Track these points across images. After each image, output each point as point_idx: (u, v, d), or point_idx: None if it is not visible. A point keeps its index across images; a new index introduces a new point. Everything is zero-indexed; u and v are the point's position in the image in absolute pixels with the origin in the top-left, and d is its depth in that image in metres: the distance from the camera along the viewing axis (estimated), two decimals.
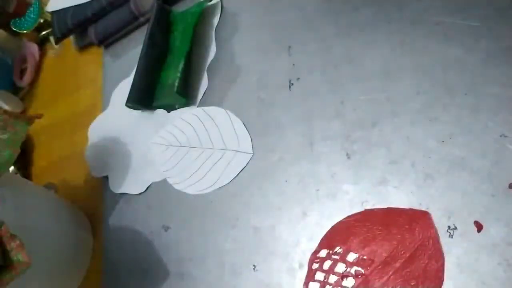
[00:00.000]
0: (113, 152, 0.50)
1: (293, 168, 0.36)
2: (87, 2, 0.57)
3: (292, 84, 0.40)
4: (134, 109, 0.48)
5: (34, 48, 0.68)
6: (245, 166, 0.39)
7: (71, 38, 0.62)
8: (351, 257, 0.30)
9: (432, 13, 0.35)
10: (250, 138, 0.40)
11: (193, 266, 0.38)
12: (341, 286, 0.30)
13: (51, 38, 0.66)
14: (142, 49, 0.48)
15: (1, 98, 0.62)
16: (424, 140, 0.31)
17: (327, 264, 0.31)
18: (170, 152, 0.45)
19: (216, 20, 0.49)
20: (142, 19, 0.54)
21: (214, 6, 0.49)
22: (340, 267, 0.30)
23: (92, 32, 0.57)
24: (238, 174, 0.39)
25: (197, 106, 0.45)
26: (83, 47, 0.62)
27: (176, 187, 0.43)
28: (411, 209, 0.30)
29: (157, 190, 0.44)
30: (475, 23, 0.32)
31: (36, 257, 0.31)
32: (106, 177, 0.49)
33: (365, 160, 0.33)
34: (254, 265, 0.35)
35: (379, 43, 0.36)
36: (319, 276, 0.31)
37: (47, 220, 0.41)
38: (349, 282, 0.30)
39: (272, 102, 0.40)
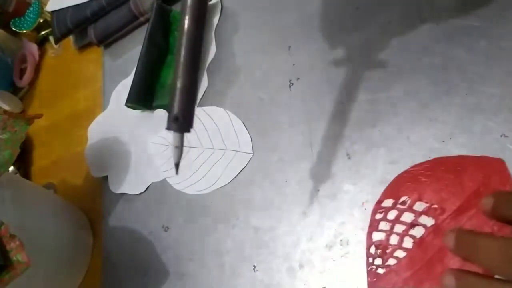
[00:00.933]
0: (113, 152, 0.50)
1: (293, 168, 0.36)
2: (86, 2, 0.57)
3: (292, 84, 0.40)
4: (134, 109, 0.48)
5: (33, 48, 0.68)
6: (245, 166, 0.39)
7: (71, 38, 0.62)
8: (420, 206, 0.29)
9: (432, 13, 0.35)
10: (250, 138, 0.40)
11: (193, 266, 0.38)
12: (409, 235, 0.28)
13: (51, 38, 0.66)
14: (142, 49, 0.48)
15: (1, 98, 0.62)
16: (424, 140, 0.31)
17: (392, 214, 0.30)
18: (170, 152, 0.45)
19: (216, 20, 0.49)
20: (142, 19, 0.54)
21: (214, 6, 0.49)
22: (408, 217, 0.29)
23: (91, 32, 0.57)
24: (238, 174, 0.39)
25: (197, 106, 0.45)
26: (82, 47, 0.62)
27: (176, 187, 0.43)
28: (484, 157, 0.28)
29: (157, 190, 0.44)
30: (475, 23, 0.32)
31: (36, 257, 0.31)
32: (106, 177, 0.49)
33: (365, 160, 0.33)
34: (254, 265, 0.35)
35: (379, 43, 0.36)
36: (384, 226, 0.30)
37: (46, 220, 0.41)
38: (418, 231, 0.28)
39: (272, 102, 0.40)
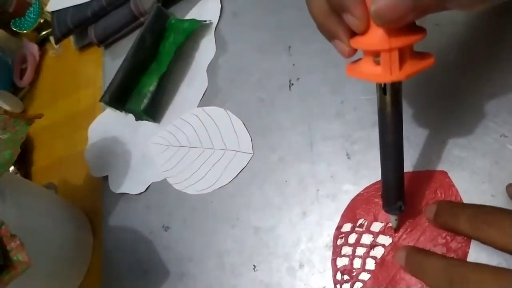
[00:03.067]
0: (113, 152, 0.50)
1: (293, 168, 0.36)
2: (87, 2, 0.57)
3: (292, 84, 0.40)
4: (109, 106, 0.48)
5: (34, 48, 0.68)
6: (245, 166, 0.39)
7: (71, 38, 0.62)
8: (376, 226, 0.30)
9: (432, 14, 0.35)
10: (250, 138, 0.40)
11: (193, 266, 0.38)
12: (371, 256, 0.29)
13: (51, 38, 0.66)
14: (130, 49, 0.49)
15: (1, 98, 0.62)
16: (424, 140, 0.31)
17: (352, 238, 0.30)
18: (170, 152, 0.45)
19: (216, 20, 0.49)
20: (142, 19, 0.54)
21: (214, 6, 0.49)
22: (367, 238, 0.30)
23: (92, 32, 0.57)
24: (238, 174, 0.39)
25: (197, 106, 0.45)
26: (83, 47, 0.62)
27: (176, 187, 0.43)
28: (428, 171, 0.29)
29: (157, 190, 0.44)
30: (474, 23, 0.32)
31: (36, 257, 0.31)
32: (106, 177, 0.49)
33: (365, 160, 0.33)
34: (254, 265, 0.35)
35: None
36: (346, 250, 0.30)
37: (47, 220, 0.42)
38: (378, 251, 0.29)
39: (272, 102, 0.40)
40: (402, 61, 0.22)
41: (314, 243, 0.33)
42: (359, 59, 0.25)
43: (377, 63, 0.23)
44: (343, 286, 0.29)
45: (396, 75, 0.22)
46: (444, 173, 0.29)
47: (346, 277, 0.30)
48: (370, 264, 0.29)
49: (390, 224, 0.29)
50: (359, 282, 0.29)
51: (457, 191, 0.28)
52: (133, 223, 0.44)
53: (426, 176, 0.30)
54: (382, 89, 0.24)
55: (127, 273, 0.42)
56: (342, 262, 0.30)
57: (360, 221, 0.31)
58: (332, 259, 0.31)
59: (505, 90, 0.29)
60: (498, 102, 0.29)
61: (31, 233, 0.37)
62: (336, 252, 0.31)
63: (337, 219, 0.32)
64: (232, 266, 0.36)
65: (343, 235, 0.31)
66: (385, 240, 0.29)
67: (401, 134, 0.26)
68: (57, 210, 0.44)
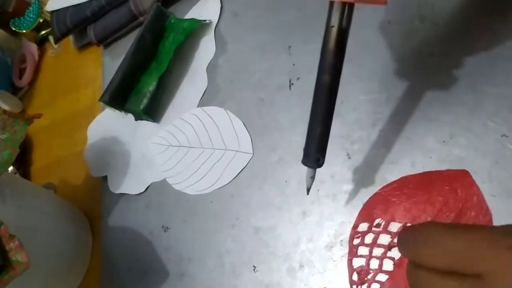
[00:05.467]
0: (112, 152, 0.50)
1: (293, 168, 0.36)
2: (86, 2, 0.57)
3: (292, 84, 0.40)
4: (108, 106, 0.48)
5: (33, 47, 0.67)
6: (245, 166, 0.39)
7: (71, 37, 0.62)
8: (394, 226, 0.29)
9: (432, 13, 0.35)
10: (250, 138, 0.40)
11: (193, 266, 0.38)
12: (388, 257, 0.29)
13: (51, 38, 0.66)
14: (130, 48, 0.49)
15: (1, 98, 0.62)
16: (424, 140, 0.31)
17: (369, 238, 0.30)
18: (170, 152, 0.45)
19: (215, 20, 0.48)
20: (141, 19, 0.54)
21: (214, 6, 0.49)
22: (384, 239, 0.29)
23: (91, 32, 0.57)
24: (238, 174, 0.39)
25: (197, 106, 0.45)
26: (82, 46, 0.62)
27: (176, 187, 0.42)
28: (448, 170, 0.29)
29: (157, 190, 0.44)
30: (475, 23, 0.32)
31: (35, 257, 0.31)
32: (106, 177, 0.49)
33: (365, 160, 0.33)
34: (254, 265, 0.35)
35: (379, 43, 0.36)
36: (363, 251, 0.30)
37: (46, 220, 0.41)
38: (396, 252, 0.28)
39: (272, 102, 0.40)
40: None
41: (314, 243, 0.33)
42: None
43: None
44: (359, 287, 0.29)
45: None
46: (466, 172, 0.28)
47: (362, 278, 0.29)
48: (388, 265, 0.29)
49: (408, 224, 0.28)
50: (376, 283, 0.28)
51: (479, 190, 0.27)
52: (132, 223, 0.44)
53: (447, 175, 0.29)
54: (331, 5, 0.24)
55: (127, 273, 0.42)
56: (358, 262, 0.30)
57: (377, 221, 0.30)
58: (348, 259, 0.30)
59: (505, 90, 0.29)
60: (498, 102, 0.29)
61: (30, 233, 0.37)
62: (353, 252, 0.30)
63: (337, 219, 0.32)
64: (232, 266, 0.36)
65: (360, 234, 0.31)
66: None
67: (338, 79, 0.25)
68: (56, 210, 0.44)
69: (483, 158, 0.29)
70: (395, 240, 0.29)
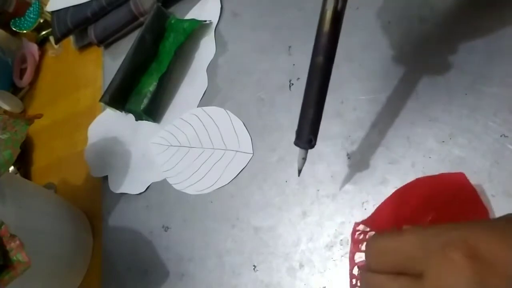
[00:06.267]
0: (113, 152, 0.50)
1: (293, 168, 0.36)
2: (87, 2, 0.57)
3: (292, 84, 0.40)
4: (108, 106, 0.48)
5: (33, 48, 0.68)
6: (245, 166, 0.39)
7: (71, 38, 0.62)
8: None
9: (432, 14, 0.35)
10: (250, 138, 0.40)
11: (193, 266, 0.38)
12: None
13: (51, 38, 0.66)
14: (130, 49, 0.49)
15: (1, 98, 0.62)
16: (424, 140, 0.31)
17: (371, 234, 0.30)
18: (170, 152, 0.45)
19: (216, 20, 0.49)
20: (142, 19, 0.54)
21: (214, 6, 0.49)
22: None
23: (91, 32, 0.57)
24: (238, 174, 0.39)
25: (197, 106, 0.45)
26: (83, 47, 0.62)
27: (176, 187, 0.43)
28: (444, 174, 0.29)
29: (157, 190, 0.44)
30: (475, 23, 0.32)
31: (36, 257, 0.31)
32: (106, 177, 0.49)
33: (365, 160, 0.33)
34: (254, 265, 0.35)
35: (379, 43, 0.36)
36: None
37: (47, 220, 0.41)
38: None
39: (272, 102, 0.40)
40: None
41: (314, 243, 0.33)
42: None
43: None
44: (359, 282, 0.29)
45: None
46: (462, 175, 0.28)
47: None
48: None
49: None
50: None
51: (476, 192, 0.28)
52: (133, 223, 0.44)
53: (443, 179, 0.29)
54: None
55: (127, 273, 0.42)
56: (360, 257, 0.30)
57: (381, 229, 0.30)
58: (351, 252, 0.30)
59: (505, 89, 0.29)
60: (498, 102, 0.29)
61: (31, 233, 0.37)
62: (355, 246, 0.30)
63: (337, 219, 0.32)
64: (232, 266, 0.36)
65: (361, 231, 0.31)
66: None
67: (332, 61, 0.25)
68: (57, 210, 0.44)
69: (483, 158, 0.29)
70: None
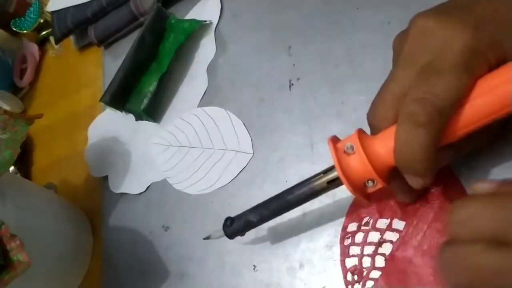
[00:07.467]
0: (113, 152, 0.50)
1: (293, 168, 0.36)
2: (87, 2, 0.57)
3: (292, 84, 0.40)
4: (109, 106, 0.48)
5: (34, 48, 0.68)
6: (245, 166, 0.39)
7: (71, 38, 0.62)
8: (383, 223, 0.30)
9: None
10: (250, 138, 0.40)
11: (193, 266, 0.38)
12: (380, 254, 0.29)
13: (51, 38, 0.66)
14: (130, 49, 0.49)
15: (1, 98, 0.62)
16: None
17: (359, 237, 0.30)
18: (170, 152, 0.45)
19: (216, 20, 0.49)
20: (142, 19, 0.54)
21: (214, 6, 0.49)
22: (374, 236, 0.30)
23: (92, 32, 0.57)
24: (238, 174, 0.39)
25: (197, 106, 0.45)
26: (83, 47, 0.62)
27: (176, 187, 0.43)
28: None
29: (157, 190, 0.44)
30: None
31: (36, 257, 0.31)
32: (106, 177, 0.49)
33: None
34: (254, 265, 0.35)
35: (379, 43, 0.36)
36: (354, 250, 0.30)
37: (47, 220, 0.42)
38: (387, 247, 0.29)
39: (272, 102, 0.40)
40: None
41: (314, 243, 0.33)
42: (353, 154, 0.25)
43: (368, 185, 0.25)
44: (354, 287, 0.29)
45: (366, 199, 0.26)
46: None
47: (356, 277, 0.29)
48: (380, 262, 0.29)
49: (396, 219, 0.29)
50: (370, 281, 0.29)
51: (458, 179, 0.28)
52: (133, 223, 0.44)
53: None
54: (331, 183, 0.27)
55: (127, 273, 0.42)
56: (351, 262, 0.30)
57: (365, 219, 0.31)
58: (341, 260, 0.31)
59: None
60: None
61: (31, 233, 0.37)
62: (344, 253, 0.31)
63: (337, 219, 0.32)
64: (232, 266, 0.36)
65: (350, 235, 0.31)
66: (392, 236, 0.29)
67: (294, 208, 0.29)
68: (57, 210, 0.44)
69: (483, 158, 0.29)
70: (385, 236, 0.29)
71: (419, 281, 0.27)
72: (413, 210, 0.29)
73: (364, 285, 0.29)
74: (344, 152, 0.25)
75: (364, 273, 0.29)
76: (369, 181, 0.25)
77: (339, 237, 0.31)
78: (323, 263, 0.32)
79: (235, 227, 0.30)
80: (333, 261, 0.31)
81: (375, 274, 0.29)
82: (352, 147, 0.25)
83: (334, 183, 0.26)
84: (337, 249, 0.32)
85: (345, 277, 0.30)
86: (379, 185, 0.25)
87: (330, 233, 0.32)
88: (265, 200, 0.30)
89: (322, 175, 0.27)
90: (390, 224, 0.30)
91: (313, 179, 0.27)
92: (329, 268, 0.31)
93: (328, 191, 0.27)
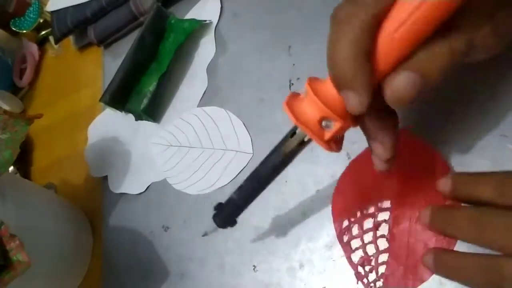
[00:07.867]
0: (112, 152, 0.50)
1: (293, 168, 0.36)
2: (86, 2, 0.57)
3: (292, 84, 0.40)
4: (108, 106, 0.48)
5: (33, 48, 0.68)
6: (245, 166, 0.39)
7: (71, 38, 0.62)
8: (371, 209, 0.30)
9: None
10: (250, 138, 0.40)
11: (193, 266, 0.38)
12: (380, 236, 0.29)
13: (51, 38, 0.66)
14: (130, 49, 0.49)
15: (1, 98, 0.62)
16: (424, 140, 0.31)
17: (355, 230, 0.31)
18: (170, 152, 0.45)
19: (215, 20, 0.49)
20: (142, 19, 0.54)
21: (214, 6, 0.49)
22: (369, 222, 0.30)
23: (91, 32, 0.57)
24: (238, 174, 0.39)
25: (197, 106, 0.45)
26: (83, 47, 0.62)
27: (176, 187, 0.43)
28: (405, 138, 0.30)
29: (157, 190, 0.44)
30: None
31: (36, 257, 0.31)
32: (106, 177, 0.49)
33: None
34: (254, 265, 0.35)
35: None
36: (355, 243, 0.30)
37: (47, 220, 0.41)
38: (384, 228, 0.29)
39: (272, 102, 0.40)
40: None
41: (314, 243, 0.33)
42: (303, 99, 0.25)
43: (326, 126, 0.24)
44: (369, 277, 0.29)
45: (327, 144, 0.24)
46: (406, 132, 0.30)
47: (367, 267, 0.29)
48: (383, 244, 0.29)
49: (383, 201, 0.30)
50: (382, 266, 0.29)
51: (430, 147, 0.29)
52: (133, 223, 0.44)
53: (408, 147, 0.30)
54: (293, 136, 0.26)
55: (127, 273, 0.42)
56: (357, 256, 0.30)
57: (354, 211, 0.31)
58: (347, 257, 0.31)
59: (505, 89, 0.29)
60: (498, 101, 0.29)
61: (31, 233, 0.37)
62: (347, 250, 0.31)
63: None
64: (232, 266, 0.36)
65: (346, 231, 0.31)
66: (385, 215, 0.30)
67: (273, 179, 0.28)
68: (57, 210, 0.44)
69: (483, 158, 0.29)
70: (378, 219, 0.30)
71: (425, 246, 0.27)
72: (391, 186, 0.30)
73: (377, 272, 0.29)
74: (298, 100, 0.25)
75: (373, 261, 0.29)
76: (326, 121, 0.23)
77: (336, 237, 0.32)
78: (323, 263, 0.32)
79: (224, 213, 0.30)
80: (333, 261, 0.31)
81: (384, 257, 0.29)
82: (305, 93, 0.24)
83: (296, 135, 0.26)
84: (337, 249, 0.32)
85: (356, 271, 0.30)
86: (338, 123, 0.23)
87: (330, 233, 0.32)
88: (245, 178, 0.29)
89: (288, 137, 0.27)
90: (377, 206, 0.30)
91: (280, 143, 0.27)
92: (329, 268, 0.31)
93: (298, 149, 0.26)
